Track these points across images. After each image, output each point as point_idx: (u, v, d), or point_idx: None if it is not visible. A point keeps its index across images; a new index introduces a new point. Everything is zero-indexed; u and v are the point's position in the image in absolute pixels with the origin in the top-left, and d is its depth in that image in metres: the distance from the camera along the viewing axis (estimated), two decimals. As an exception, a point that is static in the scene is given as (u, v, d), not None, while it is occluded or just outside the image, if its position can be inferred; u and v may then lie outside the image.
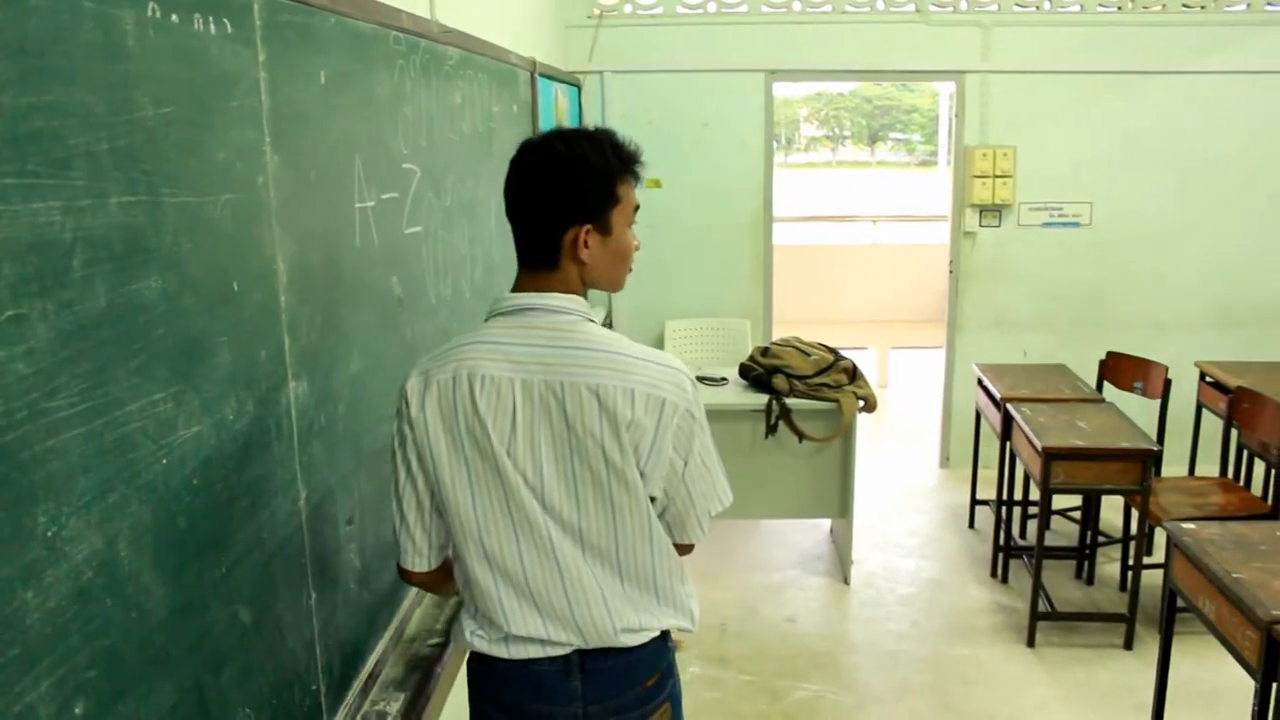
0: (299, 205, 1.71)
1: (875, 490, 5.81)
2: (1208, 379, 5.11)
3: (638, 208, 1.80)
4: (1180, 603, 3.15)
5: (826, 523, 5.22)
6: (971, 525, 5.34)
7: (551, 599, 1.76)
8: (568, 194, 1.70)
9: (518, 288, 1.77)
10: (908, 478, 6.13)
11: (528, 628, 1.78)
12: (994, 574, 4.77)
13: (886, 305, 9.41)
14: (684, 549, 1.88)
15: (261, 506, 1.56)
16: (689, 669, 3.97)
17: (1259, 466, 4.85)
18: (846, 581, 4.70)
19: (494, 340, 1.72)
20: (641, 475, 1.72)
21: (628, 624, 1.80)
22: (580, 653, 1.81)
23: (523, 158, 1.75)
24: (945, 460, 6.28)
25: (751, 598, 4.58)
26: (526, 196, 1.73)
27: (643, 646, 1.83)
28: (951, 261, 6.13)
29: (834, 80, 6.14)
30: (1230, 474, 4.91)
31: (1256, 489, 4.75)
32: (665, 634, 1.90)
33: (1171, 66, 5.86)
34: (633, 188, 1.77)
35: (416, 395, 1.74)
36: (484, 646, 1.83)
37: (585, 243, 1.71)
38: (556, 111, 4.77)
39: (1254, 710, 2.69)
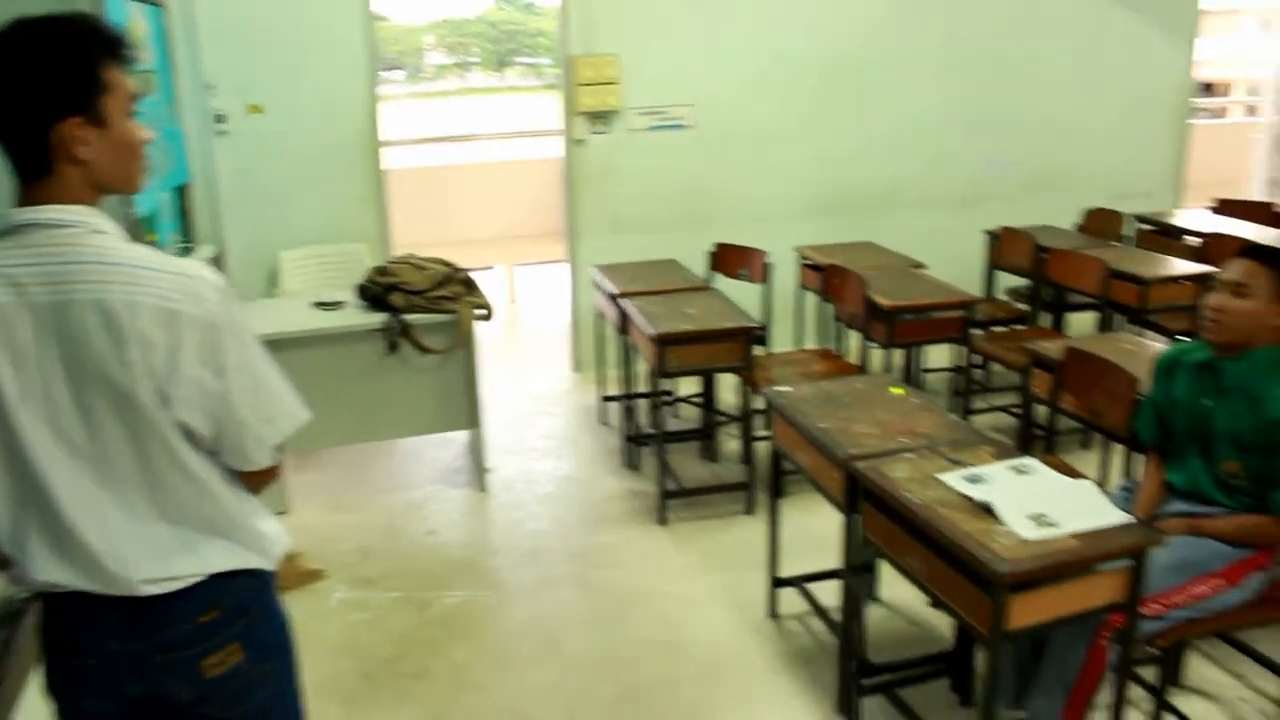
0: None
1: (510, 401, 5.89)
2: (806, 261, 5.51)
3: (136, 96, 1.63)
4: (787, 464, 3.41)
5: (464, 436, 5.24)
6: (604, 422, 5.54)
7: (67, 548, 1.62)
8: (44, 85, 1.51)
9: (17, 204, 1.58)
10: (541, 386, 6.25)
11: (51, 575, 1.63)
12: (626, 463, 4.97)
13: (511, 222, 9.46)
14: (258, 478, 1.75)
15: None
16: (333, 595, 3.90)
17: (855, 337, 5.28)
18: (484, 490, 4.75)
19: None
20: (164, 398, 1.57)
21: (148, 574, 1.64)
22: None
23: None
24: (577, 365, 6.45)
25: (392, 517, 4.54)
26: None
27: (189, 590, 1.68)
28: (566, 171, 6.23)
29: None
30: (832, 345, 5.34)
31: (854, 357, 5.19)
32: (244, 572, 1.74)
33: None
34: (124, 74, 1.59)
35: None
36: (23, 580, 1.68)
37: (80, 138, 1.54)
38: (133, 34, 4.41)
39: (843, 539, 2.97)
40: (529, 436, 5.41)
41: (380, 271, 4.56)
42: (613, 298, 4.85)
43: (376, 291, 4.47)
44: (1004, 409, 5.30)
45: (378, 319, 4.40)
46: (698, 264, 5.46)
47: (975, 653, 3.16)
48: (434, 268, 4.56)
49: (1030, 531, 2.40)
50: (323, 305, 4.60)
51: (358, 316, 4.47)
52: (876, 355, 4.90)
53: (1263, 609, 2.86)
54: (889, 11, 6.45)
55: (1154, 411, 3.01)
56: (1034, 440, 4.13)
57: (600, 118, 6.18)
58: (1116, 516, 2.48)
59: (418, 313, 4.41)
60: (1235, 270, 2.76)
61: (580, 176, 6.23)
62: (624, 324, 4.75)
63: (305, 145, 5.82)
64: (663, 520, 4.37)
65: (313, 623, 3.65)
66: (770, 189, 6.52)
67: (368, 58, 5.80)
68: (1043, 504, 2.52)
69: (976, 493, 2.57)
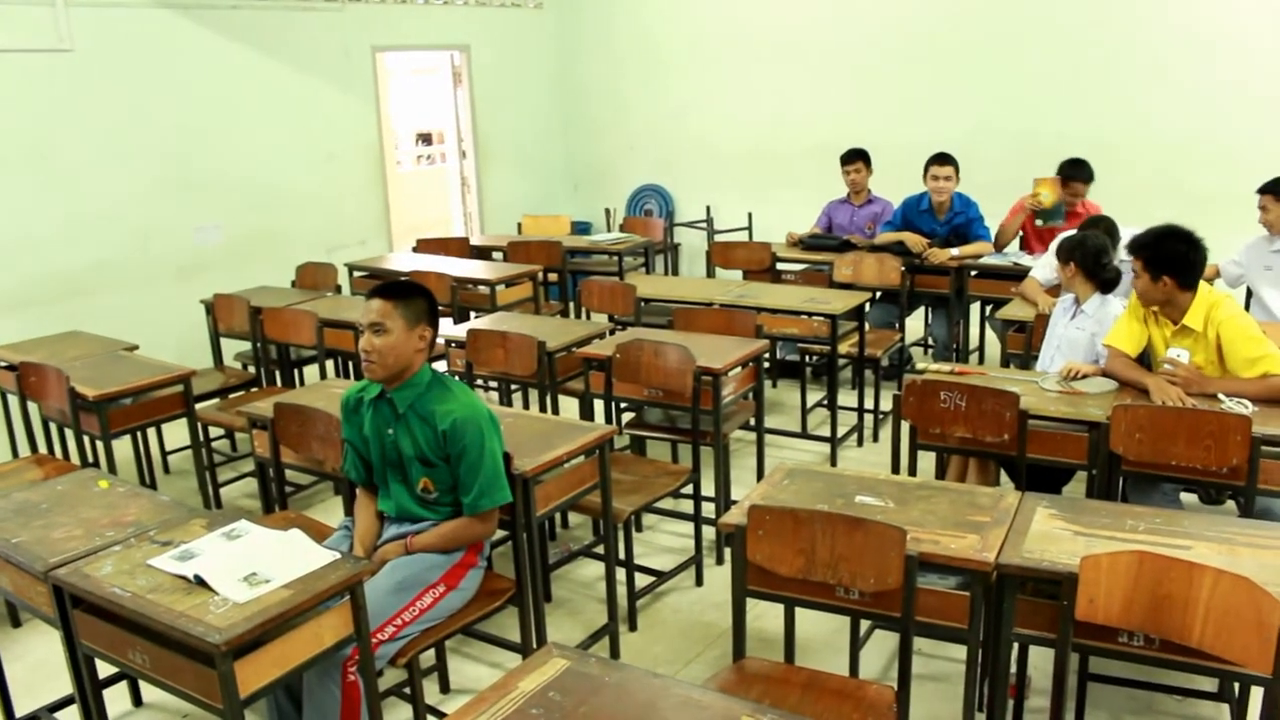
0: None
1: None
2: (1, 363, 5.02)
3: None
4: None
5: None
6: None
7: None
8: None
9: None
10: None
11: None
12: None
13: None
14: None
15: None
16: None
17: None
18: None
19: None
20: None
21: None
22: None
23: None
24: None
25: None
26: None
27: None
28: None
29: None
30: (46, 448, 4.93)
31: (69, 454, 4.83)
32: None
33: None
34: None
35: None
36: None
37: None
38: None
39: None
40: None
41: None
42: None
43: None
44: (252, 474, 5.28)
45: None
46: None
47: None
48: None
49: (243, 594, 2.40)
50: None
51: None
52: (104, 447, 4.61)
53: (487, 600, 3.15)
54: (77, 89, 6.12)
55: (352, 450, 3.17)
56: (287, 498, 4.15)
57: None
58: (324, 558, 2.57)
59: None
60: (371, 312, 2.97)
61: None
62: None
63: None
64: None
65: None
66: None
67: None
68: (254, 564, 2.53)
69: (186, 569, 2.52)
